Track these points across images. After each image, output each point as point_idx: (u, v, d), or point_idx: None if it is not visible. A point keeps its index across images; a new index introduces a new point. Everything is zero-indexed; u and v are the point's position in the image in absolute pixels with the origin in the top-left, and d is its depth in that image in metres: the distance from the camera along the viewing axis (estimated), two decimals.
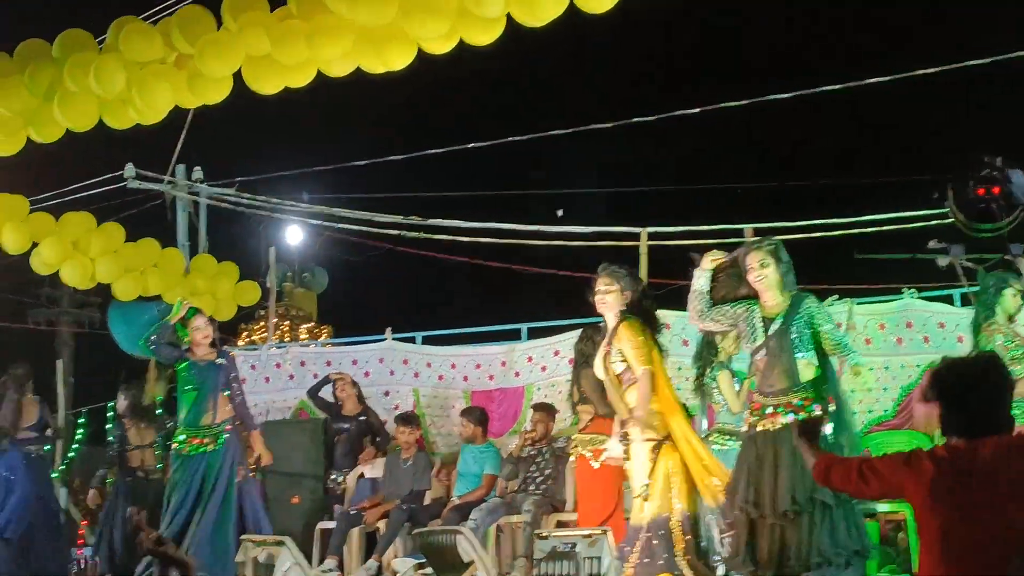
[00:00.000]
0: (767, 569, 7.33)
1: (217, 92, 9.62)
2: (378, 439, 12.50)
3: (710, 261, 7.96)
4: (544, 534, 8.15)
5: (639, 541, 7.76)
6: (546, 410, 11.56)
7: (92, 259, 12.95)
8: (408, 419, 12.08)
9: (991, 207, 5.85)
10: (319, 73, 9.39)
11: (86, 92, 9.64)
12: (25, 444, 12.15)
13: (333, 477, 12.48)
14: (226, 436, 10.28)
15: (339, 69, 9.21)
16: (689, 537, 7.85)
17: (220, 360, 10.49)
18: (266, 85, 9.44)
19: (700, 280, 7.96)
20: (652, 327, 8.51)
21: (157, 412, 12.31)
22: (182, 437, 10.26)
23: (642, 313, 8.51)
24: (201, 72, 9.35)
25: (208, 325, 10.62)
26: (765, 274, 7.75)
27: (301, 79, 9.36)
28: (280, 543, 8.80)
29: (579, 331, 10.94)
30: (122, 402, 12.44)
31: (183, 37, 9.21)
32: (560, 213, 10.96)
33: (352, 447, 12.49)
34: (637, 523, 7.92)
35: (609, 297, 8.48)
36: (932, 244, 7.30)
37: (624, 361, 8.25)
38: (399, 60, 9.05)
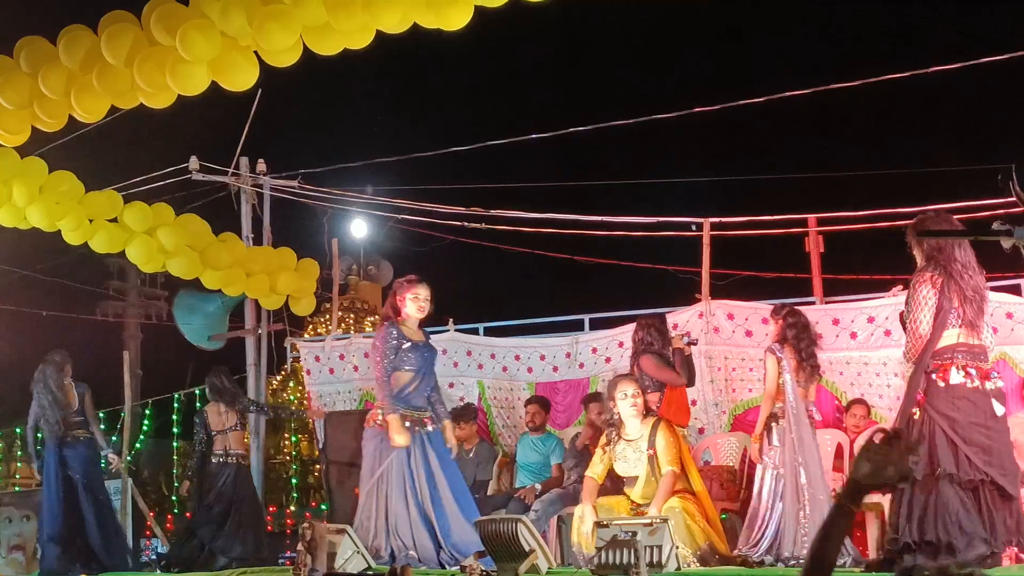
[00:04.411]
0: None
1: (289, 58, 9.70)
2: None
3: None
4: (604, 522, 8.14)
5: None
6: (600, 400, 11.57)
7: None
8: (460, 415, 12.05)
9: None
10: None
11: (164, 90, 9.77)
12: (69, 430, 12.27)
13: None
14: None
15: (397, 29, 9.22)
16: None
17: (430, 342, 10.25)
18: (326, 49, 9.56)
19: None
20: None
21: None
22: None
23: None
24: (263, 48, 9.45)
25: (429, 298, 10.10)
26: None
27: (361, 42, 9.44)
28: (341, 531, 8.83)
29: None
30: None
31: (242, 18, 9.25)
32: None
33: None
34: None
35: (639, 401, 9.69)
36: (996, 225, 7.18)
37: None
38: (457, 19, 9.06)
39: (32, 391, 12.38)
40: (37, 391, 12.30)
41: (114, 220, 12.72)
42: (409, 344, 9.89)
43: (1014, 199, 5.43)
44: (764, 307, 11.58)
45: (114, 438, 12.86)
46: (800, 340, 9.59)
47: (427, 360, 10.04)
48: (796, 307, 10.19)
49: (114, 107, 10.39)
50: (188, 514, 14.26)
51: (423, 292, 10.01)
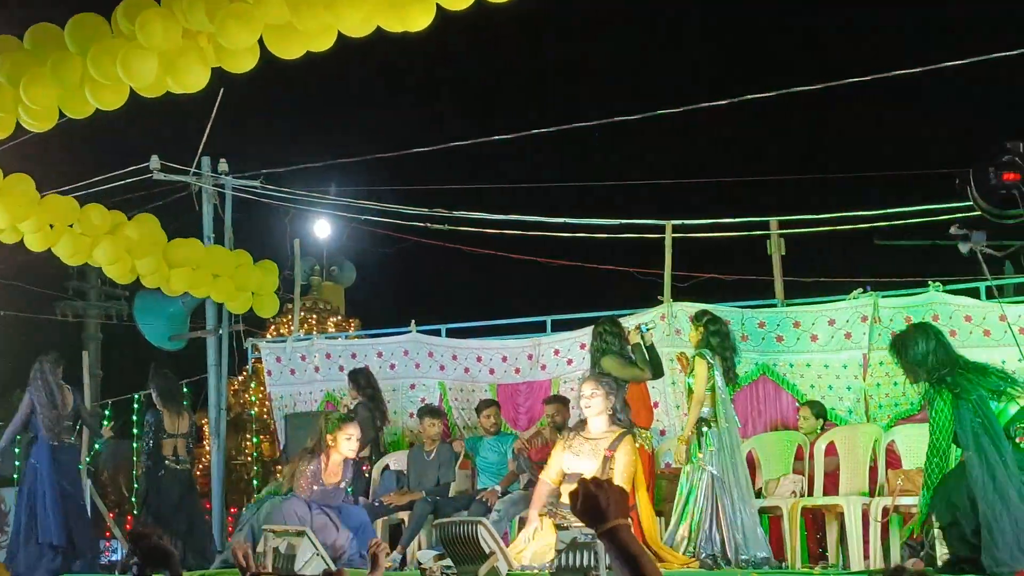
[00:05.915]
0: None
1: (246, 61, 9.63)
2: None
3: None
4: (565, 524, 8.14)
5: None
6: (560, 401, 11.57)
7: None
8: (433, 411, 12.07)
9: (1013, 193, 5.73)
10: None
11: (116, 82, 9.67)
12: (61, 433, 12.12)
13: None
14: None
15: (359, 31, 9.16)
16: None
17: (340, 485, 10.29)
18: (288, 52, 9.47)
19: None
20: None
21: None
22: None
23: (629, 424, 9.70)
24: (223, 46, 9.38)
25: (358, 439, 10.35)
26: None
27: (323, 44, 9.37)
28: (301, 533, 8.79)
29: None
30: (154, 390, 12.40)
31: (203, 13, 9.18)
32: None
33: None
34: None
35: (594, 402, 9.45)
36: (953, 230, 7.20)
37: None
38: (419, 20, 9.00)
39: (27, 390, 12.16)
40: (34, 388, 12.07)
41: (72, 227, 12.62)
42: (318, 487, 10.03)
43: (971, 204, 5.47)
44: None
45: (71, 439, 12.68)
46: (724, 348, 9.63)
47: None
48: (717, 315, 10.22)
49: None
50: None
51: (355, 431, 10.24)
